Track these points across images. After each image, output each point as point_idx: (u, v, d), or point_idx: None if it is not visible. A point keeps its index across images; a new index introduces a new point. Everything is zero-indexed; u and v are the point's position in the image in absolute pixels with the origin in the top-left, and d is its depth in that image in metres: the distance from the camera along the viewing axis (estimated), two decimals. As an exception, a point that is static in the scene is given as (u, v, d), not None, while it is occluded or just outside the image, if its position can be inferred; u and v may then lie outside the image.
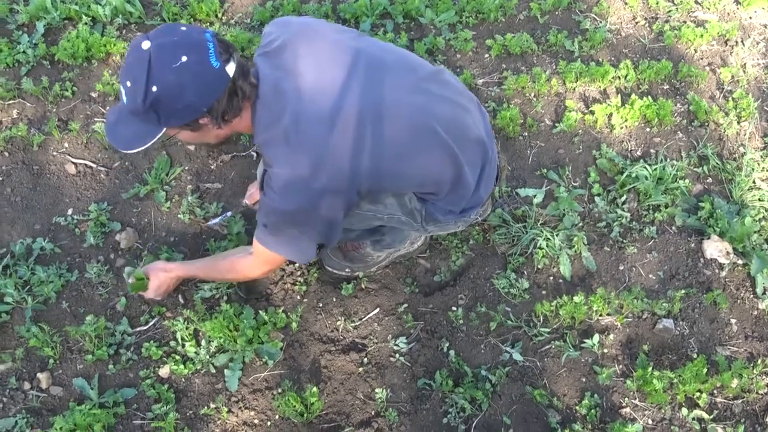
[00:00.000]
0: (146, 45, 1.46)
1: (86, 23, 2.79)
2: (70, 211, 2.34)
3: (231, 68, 1.51)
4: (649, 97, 2.71)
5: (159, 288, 2.04)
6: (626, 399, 2.05)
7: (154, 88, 1.46)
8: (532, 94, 2.77)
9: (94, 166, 2.45)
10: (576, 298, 2.16)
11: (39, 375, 1.99)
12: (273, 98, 1.59)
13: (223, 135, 1.67)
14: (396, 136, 1.65)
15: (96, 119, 2.56)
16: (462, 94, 1.84)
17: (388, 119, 1.63)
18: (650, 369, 2.04)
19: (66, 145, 2.49)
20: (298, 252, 1.75)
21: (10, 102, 2.59)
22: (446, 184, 1.79)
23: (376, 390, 2.00)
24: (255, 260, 1.86)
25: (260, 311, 2.08)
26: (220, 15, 2.95)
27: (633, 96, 2.70)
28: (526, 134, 2.66)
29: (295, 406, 1.93)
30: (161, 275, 2.03)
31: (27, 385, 1.98)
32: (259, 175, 2.08)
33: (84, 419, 1.86)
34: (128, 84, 1.48)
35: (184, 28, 1.51)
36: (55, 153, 2.47)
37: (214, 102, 1.52)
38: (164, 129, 1.55)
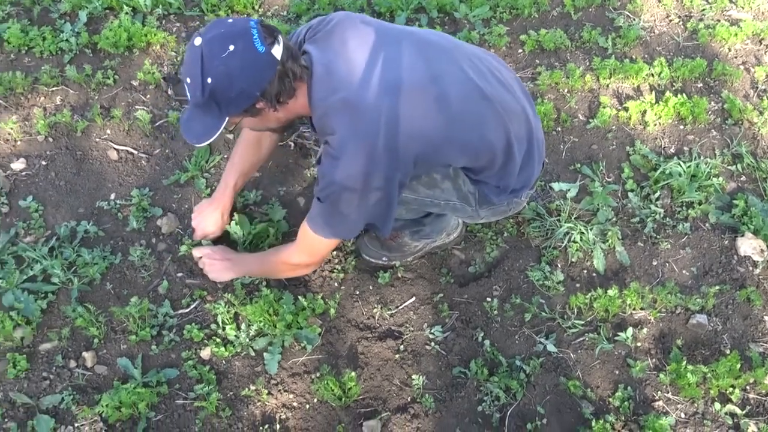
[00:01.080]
0: (198, 41, 1.54)
1: (127, 13, 2.84)
2: (112, 196, 2.39)
3: (277, 51, 1.57)
4: (683, 94, 2.71)
5: (212, 270, 2.12)
6: (659, 392, 2.07)
7: (209, 80, 1.54)
8: (566, 90, 2.79)
9: (135, 152, 2.50)
10: (610, 292, 2.18)
11: (84, 354, 2.04)
12: (326, 76, 1.65)
13: (283, 118, 1.73)
14: (452, 103, 1.70)
15: (137, 107, 2.61)
16: (506, 70, 1.91)
17: (443, 87, 1.69)
18: (684, 363, 2.06)
19: (108, 131, 2.55)
20: (346, 228, 1.79)
21: (54, 89, 2.65)
22: (499, 156, 1.82)
23: (413, 377, 2.03)
24: (296, 248, 1.91)
25: (299, 297, 2.11)
26: (257, 7, 2.99)
27: (668, 93, 2.71)
28: (560, 129, 2.68)
29: (333, 390, 1.97)
30: (218, 263, 2.10)
31: (73, 363, 2.03)
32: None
33: (129, 397, 1.91)
34: (188, 81, 1.57)
35: (230, 20, 1.58)
36: (97, 139, 2.53)
37: (266, 85, 1.58)
38: (226, 118, 1.62)
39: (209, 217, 2.17)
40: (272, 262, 2.03)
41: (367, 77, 1.63)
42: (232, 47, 1.52)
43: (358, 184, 1.66)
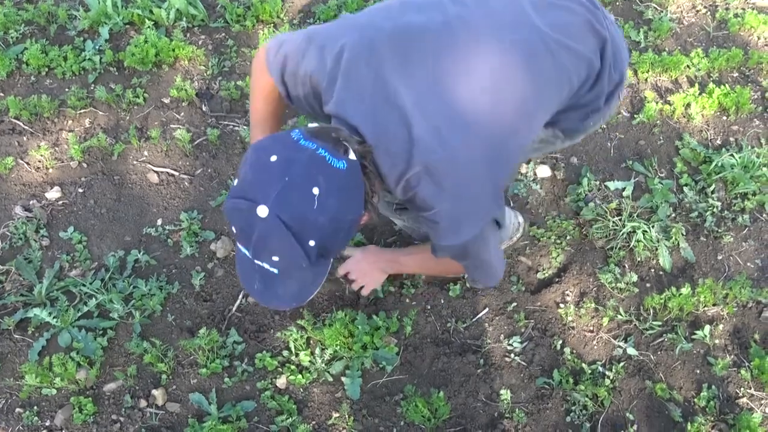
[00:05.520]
0: (264, 212, 1.17)
1: (149, 27, 2.72)
2: (159, 222, 2.28)
3: (352, 154, 1.24)
4: (725, 85, 2.70)
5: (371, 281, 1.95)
6: (742, 389, 2.05)
7: (312, 243, 1.21)
8: (605, 86, 2.75)
9: (176, 173, 2.39)
10: (683, 290, 2.15)
11: (154, 392, 1.93)
12: (382, 142, 1.31)
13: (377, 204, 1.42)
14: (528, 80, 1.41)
15: (173, 125, 2.49)
16: None
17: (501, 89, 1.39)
18: (767, 358, 2.04)
19: (146, 153, 2.43)
20: (499, 259, 1.65)
21: (82, 111, 2.52)
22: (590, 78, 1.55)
23: (501, 391, 1.97)
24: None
25: (373, 316, 2.04)
26: (282, 15, 2.89)
27: (711, 85, 2.70)
28: (605, 126, 2.64)
29: (422, 412, 1.89)
30: (365, 266, 1.93)
31: (143, 403, 1.92)
32: None
33: (211, 435, 1.81)
34: (275, 259, 1.24)
35: (274, 158, 1.18)
36: (135, 162, 2.41)
37: (365, 197, 1.29)
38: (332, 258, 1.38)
39: None
40: (436, 269, 1.87)
41: (428, 115, 1.29)
42: (316, 190, 1.17)
43: (477, 230, 1.44)
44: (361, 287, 1.97)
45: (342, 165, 1.20)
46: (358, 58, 1.31)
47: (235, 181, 1.23)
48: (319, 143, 1.19)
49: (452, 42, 1.35)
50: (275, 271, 1.26)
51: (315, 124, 1.28)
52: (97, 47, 2.67)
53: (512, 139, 1.41)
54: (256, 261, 1.25)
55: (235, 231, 1.23)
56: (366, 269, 1.95)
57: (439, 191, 1.32)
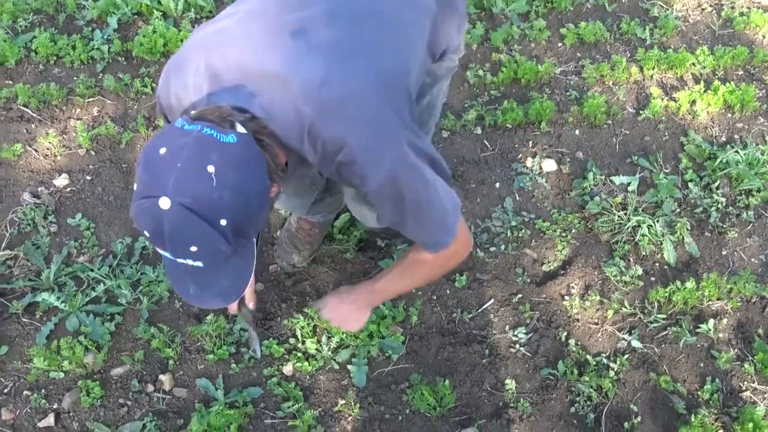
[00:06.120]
0: (166, 203, 1.12)
1: (157, 18, 2.73)
2: (167, 210, 2.28)
3: (240, 127, 1.20)
4: (731, 83, 2.72)
5: (348, 322, 1.90)
6: (745, 383, 2.06)
7: (223, 222, 1.15)
8: (611, 82, 2.77)
9: (184, 163, 2.40)
10: (688, 284, 2.16)
11: (161, 377, 1.94)
12: (267, 107, 1.27)
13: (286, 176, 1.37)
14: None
15: (180, 115, 2.50)
16: None
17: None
18: (770, 352, 2.05)
19: (153, 142, 2.44)
20: (445, 219, 1.46)
21: (90, 99, 2.53)
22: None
23: (506, 381, 1.98)
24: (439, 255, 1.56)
25: (379, 305, 2.04)
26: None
27: (716, 82, 2.71)
28: (611, 122, 2.66)
29: (428, 400, 1.90)
30: (346, 310, 1.87)
31: (150, 388, 1.93)
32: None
33: (218, 420, 1.81)
34: (194, 249, 1.17)
35: (163, 151, 1.14)
36: (143, 150, 2.42)
37: (266, 166, 1.23)
38: (254, 238, 1.31)
39: None
40: (415, 278, 1.72)
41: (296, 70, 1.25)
42: (211, 168, 1.12)
43: (403, 161, 1.33)
44: None
45: (232, 138, 1.16)
46: (215, 60, 1.30)
47: (135, 187, 1.18)
48: (203, 124, 1.15)
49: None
50: (200, 264, 1.20)
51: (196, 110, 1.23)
52: (105, 37, 2.68)
53: (387, 59, 1.36)
54: (178, 260, 1.20)
55: (148, 235, 1.18)
56: (345, 312, 1.87)
57: (339, 125, 1.27)
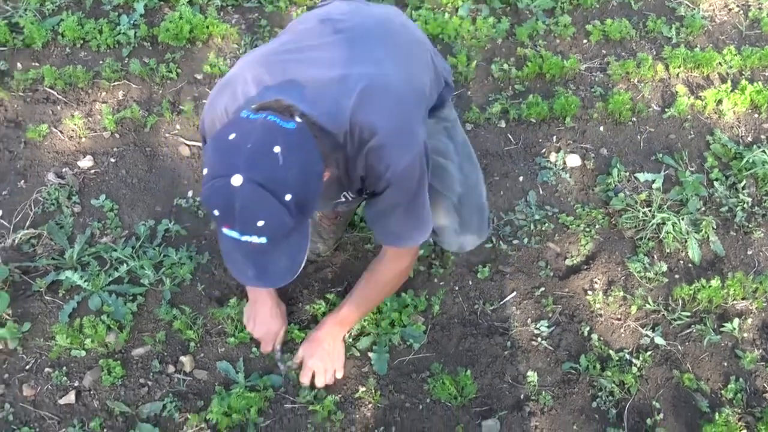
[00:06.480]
0: (238, 180, 1.20)
1: (184, 4, 2.74)
2: (190, 193, 2.29)
3: (298, 117, 1.31)
4: (758, 83, 2.69)
5: (330, 364, 1.91)
6: (769, 383, 2.03)
7: (288, 197, 1.24)
8: (636, 80, 2.75)
9: (207, 148, 2.40)
10: (713, 282, 2.14)
11: (182, 358, 1.94)
12: (317, 102, 1.40)
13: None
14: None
15: (204, 101, 2.51)
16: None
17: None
18: (796, 352, 2.03)
19: (177, 126, 2.44)
20: (427, 223, 1.64)
21: (116, 83, 2.54)
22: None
23: (528, 374, 1.96)
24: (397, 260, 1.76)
25: (402, 294, 2.03)
26: (314, -4, 2.90)
27: (744, 82, 2.69)
28: (636, 120, 2.64)
29: (449, 390, 1.89)
30: (327, 356, 1.89)
31: (171, 369, 1.93)
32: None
33: (239, 402, 1.81)
34: (261, 224, 1.24)
35: (233, 136, 1.24)
36: (167, 135, 2.42)
37: (320, 153, 1.33)
38: (308, 219, 1.38)
39: (268, 318, 1.94)
40: (375, 292, 1.85)
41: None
42: (277, 148, 1.22)
43: (420, 166, 1.50)
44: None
45: (292, 125, 1.27)
46: (260, 73, 1.46)
47: (204, 171, 1.25)
48: (267, 113, 1.27)
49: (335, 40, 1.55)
50: (263, 240, 1.27)
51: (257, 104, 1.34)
52: (131, 22, 2.69)
53: (417, 77, 1.61)
54: (243, 238, 1.26)
55: (217, 214, 1.25)
56: (325, 352, 1.88)
57: (377, 114, 1.42)
